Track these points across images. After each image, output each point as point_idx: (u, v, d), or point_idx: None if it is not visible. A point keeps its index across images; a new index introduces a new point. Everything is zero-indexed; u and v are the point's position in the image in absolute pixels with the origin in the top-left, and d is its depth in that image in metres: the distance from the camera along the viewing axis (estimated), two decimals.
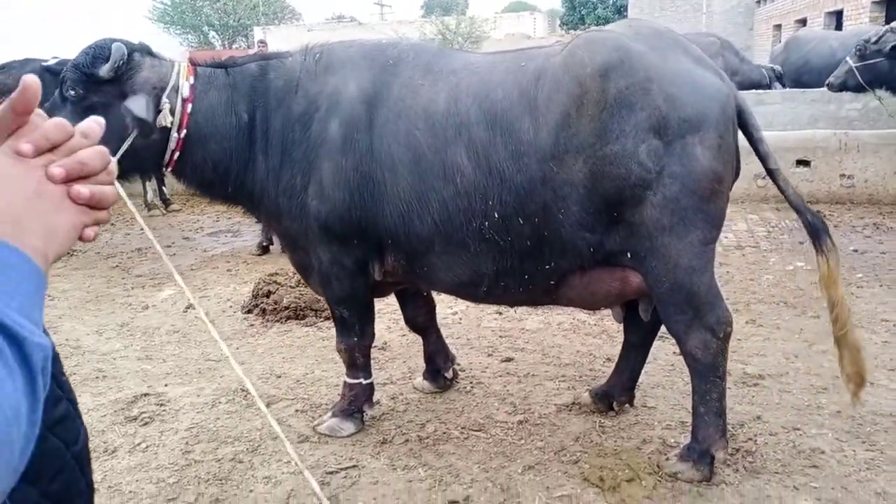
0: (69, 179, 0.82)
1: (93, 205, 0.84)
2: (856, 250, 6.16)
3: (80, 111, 2.85)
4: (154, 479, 3.11)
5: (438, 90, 2.91)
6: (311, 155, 3.02)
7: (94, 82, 2.85)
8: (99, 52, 2.84)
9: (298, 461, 2.60)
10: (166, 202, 9.02)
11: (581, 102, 2.65)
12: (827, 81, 8.61)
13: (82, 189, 0.83)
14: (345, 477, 3.08)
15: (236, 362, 2.26)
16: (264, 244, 6.94)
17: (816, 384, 3.77)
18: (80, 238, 0.85)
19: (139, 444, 3.40)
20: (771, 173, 2.98)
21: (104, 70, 2.81)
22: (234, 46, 49.41)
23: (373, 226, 3.00)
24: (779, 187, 3.00)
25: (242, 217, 8.47)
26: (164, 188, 8.96)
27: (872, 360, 3.98)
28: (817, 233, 2.90)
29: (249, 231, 7.97)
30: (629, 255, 2.79)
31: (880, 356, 4.06)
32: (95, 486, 2.95)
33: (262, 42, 26.08)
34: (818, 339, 4.34)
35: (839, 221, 7.24)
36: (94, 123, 0.91)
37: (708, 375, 2.86)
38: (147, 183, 8.53)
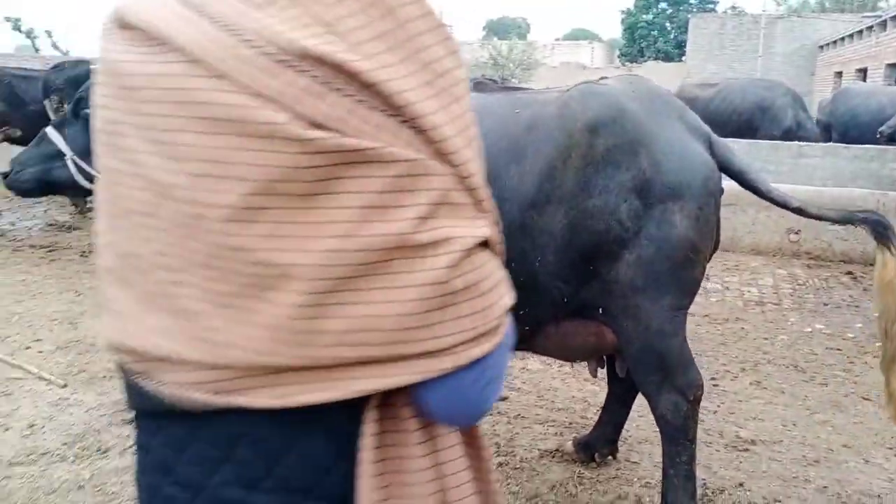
0: None
1: None
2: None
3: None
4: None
5: None
6: None
7: None
8: None
9: None
10: None
11: (568, 155, 2.69)
12: (880, 129, 8.51)
13: None
14: None
15: None
16: None
17: (809, 456, 3.70)
18: None
19: (130, 447, 3.53)
20: (754, 187, 2.96)
21: None
22: None
23: None
24: (775, 202, 2.96)
25: None
26: None
27: (872, 437, 3.91)
28: (880, 227, 2.73)
29: None
30: (602, 310, 2.80)
31: (882, 433, 3.96)
32: (83, 484, 3.07)
33: None
34: (821, 407, 4.25)
35: (870, 284, 7.07)
36: None
37: (678, 438, 2.84)
38: None
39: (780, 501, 3.27)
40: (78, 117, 3.09)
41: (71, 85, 8.34)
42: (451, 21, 59.91)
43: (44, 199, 10.28)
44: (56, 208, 9.80)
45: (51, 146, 3.09)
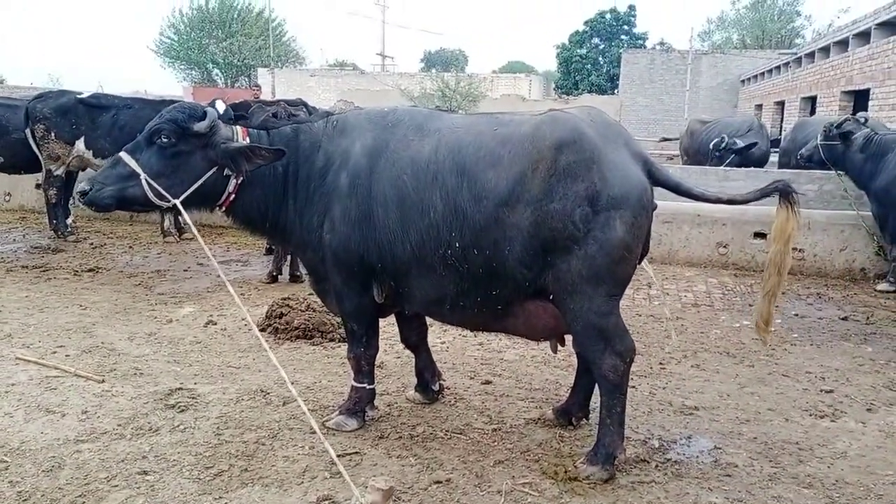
0: None
1: None
2: (797, 314, 6.99)
3: (168, 156, 3.68)
4: (193, 453, 3.80)
5: (424, 144, 3.74)
6: (327, 199, 3.85)
7: (187, 134, 3.66)
8: (193, 112, 3.67)
9: (321, 434, 3.35)
10: (180, 231, 9.75)
11: (537, 166, 3.49)
12: (799, 153, 9.67)
13: None
14: (350, 460, 3.79)
15: (276, 364, 2.93)
16: (274, 274, 7.68)
17: (741, 417, 4.54)
18: None
19: (178, 426, 4.10)
20: (689, 194, 3.75)
21: (201, 126, 3.63)
22: (235, 85, 50.73)
23: (367, 252, 3.78)
24: (701, 199, 3.78)
25: (250, 249, 9.22)
26: (179, 219, 9.69)
27: (791, 403, 4.78)
28: (787, 190, 3.48)
29: (258, 262, 8.71)
30: (555, 294, 3.58)
31: (798, 399, 4.84)
32: (146, 454, 3.63)
33: (257, 86, 27.18)
34: (749, 383, 5.12)
35: (788, 290, 8.08)
36: None
37: (615, 393, 3.64)
38: (165, 214, 9.27)
39: (720, 448, 4.08)
40: (152, 144, 3.70)
41: (57, 114, 8.79)
42: (391, 53, 61.02)
43: (20, 225, 10.57)
44: (34, 232, 10.11)
45: (126, 168, 3.69)
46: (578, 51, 51.25)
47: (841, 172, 9.01)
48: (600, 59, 51.12)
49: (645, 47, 48.16)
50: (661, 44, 51.89)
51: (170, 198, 3.72)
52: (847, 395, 4.92)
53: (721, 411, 4.62)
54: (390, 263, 3.76)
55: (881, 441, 4.23)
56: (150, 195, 3.67)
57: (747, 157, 12.49)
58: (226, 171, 3.78)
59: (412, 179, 3.66)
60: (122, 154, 3.71)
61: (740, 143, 12.52)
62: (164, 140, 3.66)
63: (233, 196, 3.90)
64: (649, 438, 4.17)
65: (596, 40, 51.68)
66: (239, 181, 3.85)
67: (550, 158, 3.48)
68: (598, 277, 3.49)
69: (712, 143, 13.06)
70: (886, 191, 7.86)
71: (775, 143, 14.04)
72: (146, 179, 3.63)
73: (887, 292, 7.86)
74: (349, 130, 3.91)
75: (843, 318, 6.88)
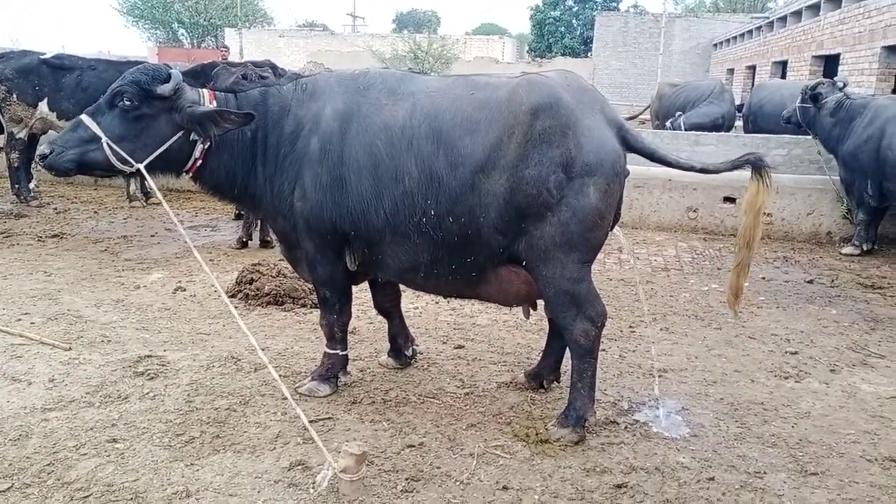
0: None
1: None
2: (763, 277, 7.11)
3: (131, 119, 3.57)
4: (163, 420, 3.77)
5: (398, 109, 3.67)
6: (297, 165, 3.77)
7: (150, 97, 3.54)
8: (157, 74, 3.55)
9: (292, 400, 3.34)
10: (147, 195, 9.56)
11: (513, 131, 3.45)
12: (782, 114, 9.81)
13: None
14: (322, 425, 3.79)
15: (245, 332, 2.88)
16: (244, 240, 7.59)
17: (709, 379, 4.62)
18: None
19: (147, 394, 4.06)
20: (664, 161, 3.75)
21: (165, 89, 3.51)
22: (202, 46, 49.51)
23: (340, 219, 3.72)
24: (674, 166, 3.77)
25: (219, 214, 9.10)
26: (145, 183, 9.49)
27: (757, 364, 4.87)
28: (759, 162, 3.50)
29: (227, 227, 8.60)
30: (528, 260, 3.58)
31: (764, 361, 4.94)
32: (115, 422, 3.59)
33: (225, 47, 26.45)
34: (716, 345, 5.21)
35: (755, 253, 8.22)
36: None
37: (586, 357, 3.67)
38: (130, 179, 9.07)
39: (687, 409, 4.15)
40: (114, 107, 3.58)
41: (20, 75, 8.51)
42: (362, 13, 59.88)
43: None
44: None
45: (87, 131, 3.57)
46: (552, 13, 50.75)
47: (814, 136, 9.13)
48: (574, 21, 50.72)
49: (619, 10, 47.87)
50: (635, 6, 51.60)
51: (133, 162, 3.61)
52: (811, 357, 5.03)
53: (689, 373, 4.70)
54: (363, 231, 3.72)
55: (843, 401, 4.34)
56: (113, 159, 3.57)
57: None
58: (192, 136, 3.68)
59: (386, 145, 3.60)
60: (83, 117, 3.59)
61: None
62: (127, 103, 3.54)
63: (200, 162, 3.80)
64: (619, 400, 4.23)
65: (570, 2, 51.19)
66: (206, 146, 3.75)
67: (527, 123, 3.44)
68: (571, 244, 3.48)
69: (669, 121, 13.85)
70: (853, 155, 7.97)
71: (740, 107, 14.23)
72: (108, 143, 3.53)
73: (852, 255, 8.02)
74: (319, 94, 3.82)
75: (808, 282, 7.01)
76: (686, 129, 12.88)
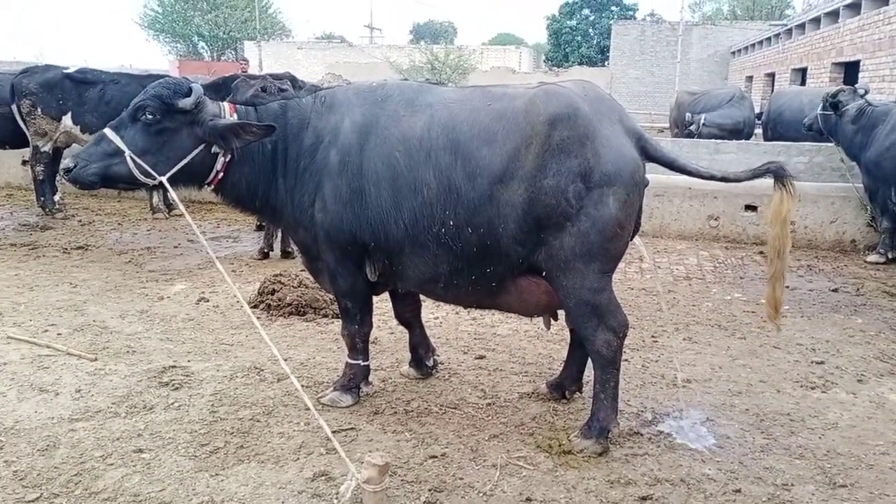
0: None
1: None
2: (787, 286, 7.02)
3: (153, 132, 3.62)
4: (188, 430, 3.80)
5: (416, 121, 3.68)
6: (317, 177, 3.80)
7: (172, 111, 3.60)
8: (178, 88, 3.60)
9: (315, 410, 3.35)
10: (170, 207, 9.67)
11: (531, 142, 3.45)
12: (803, 122, 9.76)
13: None
14: (345, 436, 3.80)
15: (267, 343, 2.91)
16: (265, 251, 7.64)
17: (733, 389, 4.57)
18: None
19: (172, 404, 4.09)
20: (684, 170, 3.72)
21: (187, 103, 3.56)
22: (222, 59, 50.08)
23: (360, 231, 3.74)
24: (696, 175, 3.74)
25: (241, 225, 9.17)
26: (168, 195, 9.60)
27: (782, 375, 4.82)
28: (781, 171, 3.46)
29: (249, 238, 8.67)
30: (548, 270, 3.57)
31: (789, 371, 4.88)
32: (140, 432, 3.63)
33: (245, 60, 26.73)
34: (741, 356, 5.16)
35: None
36: None
37: (608, 368, 3.64)
38: (152, 191, 9.18)
39: (712, 420, 4.11)
40: (136, 121, 3.63)
41: (44, 89, 8.66)
42: (379, 25, 60.32)
43: (7, 202, 10.46)
44: (21, 210, 10.00)
45: (110, 145, 3.62)
46: (568, 22, 50.82)
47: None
48: (590, 30, 50.75)
49: (635, 18, 47.85)
50: (652, 15, 51.60)
51: (156, 175, 3.66)
52: (838, 367, 4.97)
53: (713, 384, 4.65)
54: (383, 242, 3.73)
55: (871, 412, 4.28)
56: (136, 172, 3.61)
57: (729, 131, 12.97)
58: (213, 149, 3.72)
59: (404, 157, 3.62)
60: (107, 131, 3.64)
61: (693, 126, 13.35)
62: (149, 116, 3.59)
63: (221, 174, 3.84)
64: (642, 411, 4.20)
65: (586, 11, 51.24)
66: (227, 159, 3.79)
67: (544, 134, 3.44)
68: (591, 254, 3.47)
69: (688, 115, 13.83)
70: (876, 163, 7.88)
71: (759, 115, 14.17)
72: (131, 156, 3.58)
73: (877, 263, 7.92)
74: (338, 106, 3.85)
75: (833, 290, 6.93)
76: (707, 128, 12.78)
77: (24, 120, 8.80)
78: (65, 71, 8.91)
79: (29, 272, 6.82)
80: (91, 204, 10.52)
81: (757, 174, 3.55)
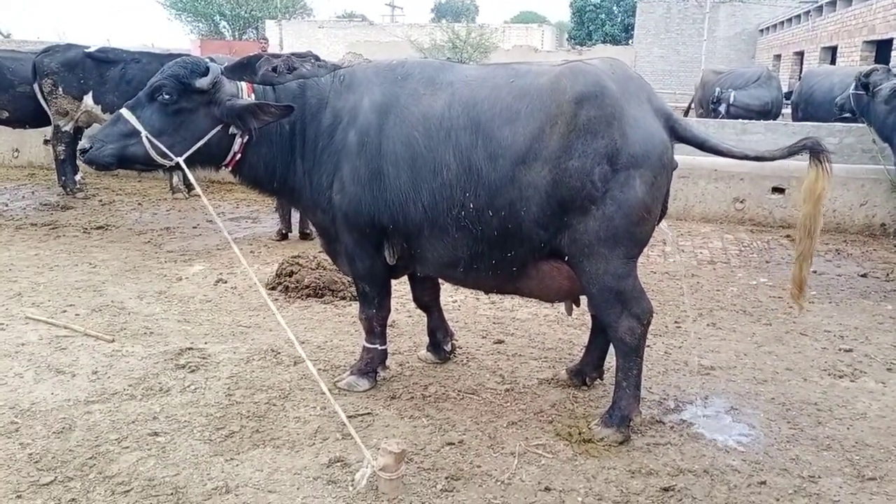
0: None
1: None
2: (815, 271, 6.86)
3: (170, 112, 3.55)
4: (204, 413, 3.77)
5: (436, 99, 3.57)
6: (335, 158, 3.71)
7: (189, 91, 3.53)
8: (195, 68, 3.53)
9: (330, 396, 3.30)
10: (189, 187, 9.66)
11: (556, 121, 3.33)
12: (835, 102, 9.52)
13: None
14: (361, 421, 3.75)
15: (283, 326, 2.85)
16: (283, 232, 7.61)
17: (759, 377, 4.46)
18: None
19: (189, 387, 4.07)
20: (716, 150, 3.56)
21: (204, 83, 3.49)
22: (243, 38, 50.01)
23: (378, 213, 3.66)
24: (729, 155, 3.59)
25: (260, 205, 9.14)
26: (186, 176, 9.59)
27: (809, 362, 4.70)
28: (817, 146, 3.31)
29: (268, 218, 8.64)
30: (571, 255, 3.46)
31: (816, 359, 4.75)
32: (156, 415, 3.60)
33: (265, 39, 26.69)
34: (766, 342, 5.03)
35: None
36: None
37: (631, 355, 3.54)
38: (169, 172, 9.18)
39: (737, 409, 4.01)
40: (153, 101, 3.57)
41: (65, 68, 8.64)
42: (400, 3, 59.84)
43: (28, 181, 10.53)
44: (42, 189, 10.06)
45: (127, 125, 3.57)
46: (592, 0, 49.98)
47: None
48: (615, 8, 49.87)
49: None
50: None
51: (172, 156, 3.60)
52: (866, 355, 4.83)
53: (738, 372, 4.54)
54: (402, 224, 3.65)
55: None
56: (152, 153, 3.56)
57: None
58: (231, 130, 3.66)
59: (424, 137, 3.52)
60: (123, 111, 3.59)
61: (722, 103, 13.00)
62: (166, 97, 3.53)
63: (239, 155, 3.78)
64: (664, 399, 4.10)
65: None
66: (245, 140, 3.72)
67: (570, 113, 3.32)
68: (616, 239, 3.36)
69: (717, 91, 13.55)
70: None
71: (788, 95, 13.83)
72: (147, 137, 3.52)
73: None
74: (357, 85, 3.75)
75: (862, 275, 6.75)
76: (735, 108, 12.54)
77: (45, 99, 8.81)
78: (86, 50, 8.89)
79: (49, 252, 6.84)
80: (112, 184, 10.55)
81: (793, 151, 3.40)
